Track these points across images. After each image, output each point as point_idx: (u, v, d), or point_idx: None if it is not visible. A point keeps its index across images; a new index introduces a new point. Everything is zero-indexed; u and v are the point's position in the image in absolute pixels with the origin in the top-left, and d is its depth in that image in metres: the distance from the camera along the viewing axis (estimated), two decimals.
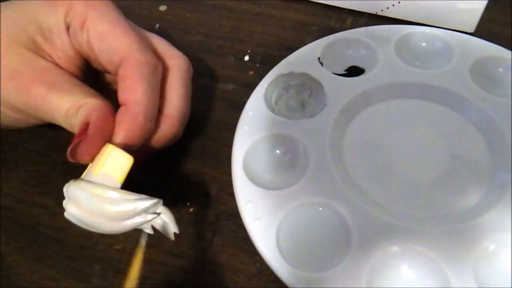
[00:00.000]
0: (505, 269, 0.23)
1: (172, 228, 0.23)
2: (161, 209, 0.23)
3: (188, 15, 0.39)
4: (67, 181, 0.29)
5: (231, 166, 0.26)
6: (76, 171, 0.29)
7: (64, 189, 0.23)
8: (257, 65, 0.35)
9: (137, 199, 0.22)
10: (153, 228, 0.23)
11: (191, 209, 0.28)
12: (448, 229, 0.24)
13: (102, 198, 0.22)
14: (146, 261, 0.26)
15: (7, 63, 0.24)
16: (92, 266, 0.26)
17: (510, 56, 0.31)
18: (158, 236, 0.27)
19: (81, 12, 0.25)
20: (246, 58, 0.36)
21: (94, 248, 0.26)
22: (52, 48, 0.25)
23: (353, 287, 0.22)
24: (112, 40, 0.25)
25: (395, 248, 0.23)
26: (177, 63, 0.27)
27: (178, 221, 0.27)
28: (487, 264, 0.22)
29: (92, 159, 0.23)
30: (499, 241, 0.23)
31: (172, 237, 0.23)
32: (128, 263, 0.26)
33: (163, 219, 0.23)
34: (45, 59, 0.25)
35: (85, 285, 0.25)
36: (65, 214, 0.23)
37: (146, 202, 0.22)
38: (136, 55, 0.24)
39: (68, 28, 0.25)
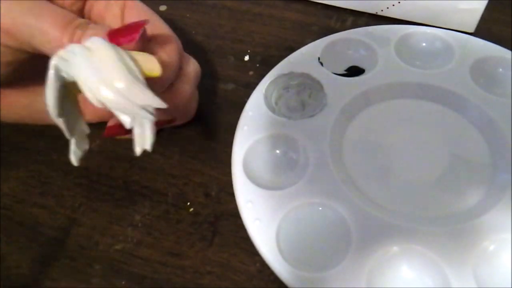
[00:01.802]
0: (505, 269, 0.23)
1: (147, 143, 0.21)
2: (150, 118, 0.21)
3: (188, 15, 0.39)
4: (67, 181, 0.29)
5: (231, 166, 0.26)
6: (76, 171, 0.30)
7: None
8: (257, 65, 0.35)
9: (147, 90, 0.21)
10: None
11: (191, 209, 0.28)
12: (448, 229, 0.24)
13: (126, 64, 0.21)
14: (146, 261, 0.26)
15: None
16: (92, 266, 0.26)
17: (510, 56, 0.31)
18: (158, 236, 0.27)
19: None
20: (246, 58, 0.36)
21: (94, 248, 0.26)
22: None
23: (353, 287, 0.22)
24: (152, 17, 0.26)
25: (395, 248, 0.23)
26: (193, 68, 0.28)
27: (178, 221, 0.27)
28: (487, 264, 0.22)
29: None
30: (499, 241, 0.23)
31: (138, 152, 0.22)
32: (127, 263, 0.26)
33: (146, 128, 0.21)
34: None
35: (85, 285, 0.25)
36: (63, 52, 0.20)
37: (155, 99, 0.21)
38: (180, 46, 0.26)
39: None
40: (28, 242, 0.27)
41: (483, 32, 0.35)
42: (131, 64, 0.21)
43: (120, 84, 0.20)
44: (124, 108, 0.21)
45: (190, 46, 0.37)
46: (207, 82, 0.34)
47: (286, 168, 0.27)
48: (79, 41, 0.22)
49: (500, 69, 0.31)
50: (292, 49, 0.32)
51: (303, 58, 0.31)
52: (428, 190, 0.26)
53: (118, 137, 0.27)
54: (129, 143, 0.30)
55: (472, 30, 0.36)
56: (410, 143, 0.28)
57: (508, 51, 0.31)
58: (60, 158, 0.30)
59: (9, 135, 0.31)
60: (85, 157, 0.30)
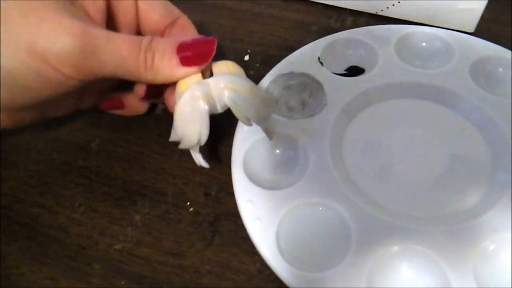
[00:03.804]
0: (505, 269, 0.23)
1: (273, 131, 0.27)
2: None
3: (188, 15, 0.39)
4: (67, 181, 0.29)
5: (231, 166, 0.26)
6: (76, 171, 0.30)
7: (219, 78, 0.25)
8: (257, 65, 0.35)
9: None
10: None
11: (191, 209, 0.28)
12: (448, 229, 0.24)
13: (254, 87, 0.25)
14: (146, 261, 0.26)
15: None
16: (92, 266, 0.26)
17: (510, 56, 0.31)
18: (157, 236, 0.27)
19: None
20: (246, 58, 0.36)
21: (94, 248, 0.26)
22: None
23: (353, 287, 0.22)
24: (165, 1, 0.29)
25: (395, 248, 0.23)
26: None
27: (178, 221, 0.27)
28: (487, 264, 0.22)
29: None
30: (499, 241, 0.23)
31: (271, 138, 0.26)
32: (127, 263, 0.26)
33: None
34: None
35: (85, 285, 0.25)
36: (226, 98, 0.24)
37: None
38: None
39: None
40: (28, 242, 0.27)
41: (483, 32, 0.35)
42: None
43: (264, 101, 0.26)
44: (264, 117, 0.26)
45: None
46: None
47: (286, 168, 0.27)
48: (151, 65, 0.24)
49: (500, 69, 0.31)
50: (292, 49, 0.32)
51: (303, 58, 0.31)
52: (428, 190, 0.26)
53: (111, 111, 0.30)
54: (130, 143, 0.31)
55: (472, 30, 0.36)
56: (410, 143, 0.28)
57: (508, 51, 0.31)
58: (60, 158, 0.30)
59: (9, 135, 0.31)
60: (85, 157, 0.30)
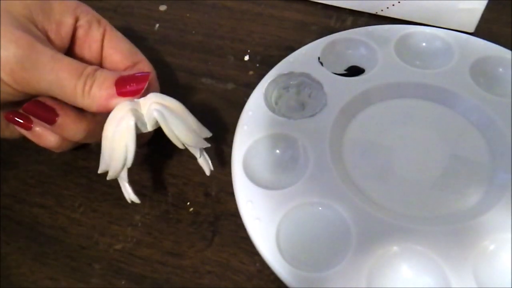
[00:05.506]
0: (505, 269, 0.23)
1: (210, 164, 0.27)
2: (207, 146, 0.27)
3: (188, 15, 0.39)
4: (67, 181, 0.29)
5: (231, 166, 0.26)
6: (76, 171, 0.30)
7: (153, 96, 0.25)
8: (257, 65, 0.35)
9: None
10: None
11: (191, 209, 0.28)
12: (448, 229, 0.24)
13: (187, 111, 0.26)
14: (146, 261, 0.26)
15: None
16: (92, 266, 0.26)
17: (510, 56, 0.31)
18: (158, 236, 0.27)
19: (92, 13, 0.28)
20: (246, 58, 0.36)
21: (94, 248, 0.26)
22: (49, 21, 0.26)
23: (353, 287, 0.22)
24: (130, 45, 0.29)
25: (395, 248, 0.23)
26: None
27: (178, 221, 0.27)
28: (487, 264, 0.22)
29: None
30: (499, 241, 0.23)
31: (208, 173, 0.27)
32: (127, 263, 0.26)
33: (205, 155, 0.27)
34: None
35: (85, 285, 0.25)
36: (154, 111, 0.24)
37: (208, 131, 0.27)
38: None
39: (74, 15, 0.27)
40: (28, 242, 0.27)
41: (483, 32, 0.35)
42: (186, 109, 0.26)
43: (196, 128, 0.26)
44: (196, 144, 0.26)
45: (190, 46, 0.37)
46: (207, 82, 0.34)
47: (286, 168, 0.27)
48: (89, 92, 0.24)
49: (500, 69, 0.31)
50: (292, 49, 0.32)
51: (303, 58, 0.31)
52: (428, 190, 0.26)
53: (15, 125, 0.27)
54: None
55: (472, 30, 0.36)
56: (410, 143, 0.28)
57: (508, 51, 0.31)
58: (60, 158, 0.30)
59: None
60: (85, 157, 0.30)
